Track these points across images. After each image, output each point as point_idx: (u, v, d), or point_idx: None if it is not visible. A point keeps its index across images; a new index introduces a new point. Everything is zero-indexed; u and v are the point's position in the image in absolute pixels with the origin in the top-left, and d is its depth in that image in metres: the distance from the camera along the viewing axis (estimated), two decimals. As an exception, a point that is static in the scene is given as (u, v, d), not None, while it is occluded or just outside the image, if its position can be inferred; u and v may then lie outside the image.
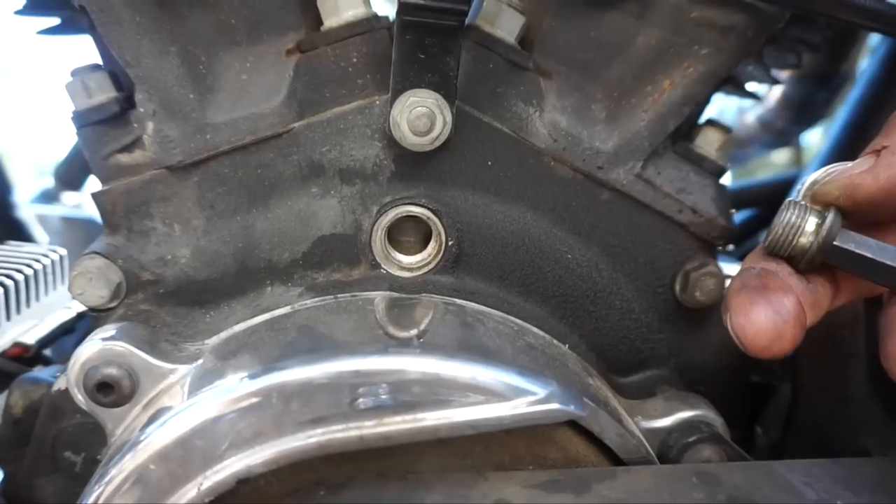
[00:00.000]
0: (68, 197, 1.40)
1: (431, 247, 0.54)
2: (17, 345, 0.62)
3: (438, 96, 0.49)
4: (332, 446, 0.41)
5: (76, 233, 1.17)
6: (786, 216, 0.45)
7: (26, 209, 1.09)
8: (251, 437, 0.41)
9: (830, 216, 0.44)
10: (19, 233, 1.04)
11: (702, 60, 0.52)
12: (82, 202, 1.38)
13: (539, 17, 0.55)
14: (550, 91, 0.54)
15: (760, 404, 0.69)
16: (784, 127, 1.10)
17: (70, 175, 1.38)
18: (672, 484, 0.43)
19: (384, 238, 0.53)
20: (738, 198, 1.00)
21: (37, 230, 1.08)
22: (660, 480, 0.43)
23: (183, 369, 0.48)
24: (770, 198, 1.04)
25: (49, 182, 1.43)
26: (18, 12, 0.62)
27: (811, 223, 0.45)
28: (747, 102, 1.13)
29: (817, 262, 0.45)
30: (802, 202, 0.46)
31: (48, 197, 1.36)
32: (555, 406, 0.42)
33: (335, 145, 0.52)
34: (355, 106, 0.52)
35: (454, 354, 0.43)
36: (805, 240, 0.45)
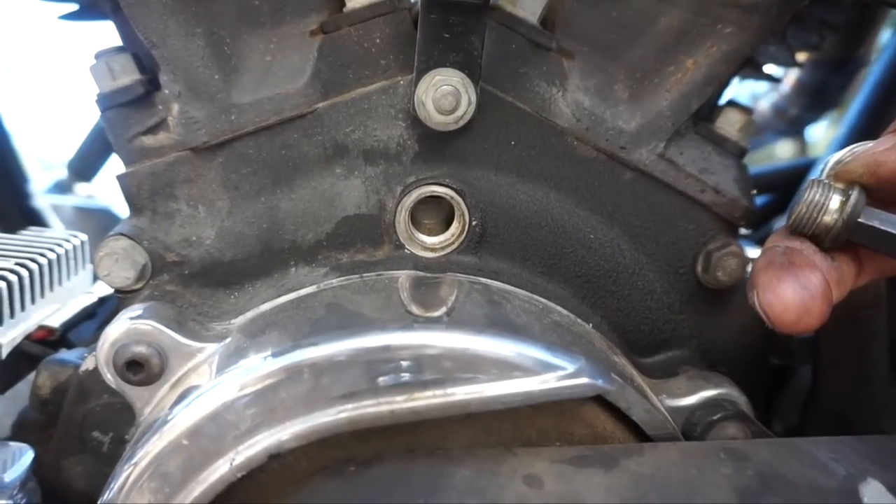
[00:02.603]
0: (81, 188, 1.40)
1: (455, 227, 0.54)
2: (42, 328, 0.62)
3: (463, 75, 0.49)
4: (362, 421, 0.41)
5: (90, 222, 1.17)
6: (810, 194, 0.46)
7: (41, 199, 1.09)
8: (282, 413, 0.41)
9: (855, 193, 0.45)
10: (36, 221, 1.04)
11: (725, 39, 0.52)
12: (95, 193, 1.39)
13: (561, -3, 0.55)
14: (573, 71, 0.54)
15: (777, 388, 0.70)
16: (798, 113, 1.09)
17: (83, 166, 1.39)
18: (700, 459, 0.43)
19: (408, 218, 0.53)
20: (753, 183, 1.00)
21: (52, 219, 1.08)
22: (687, 456, 0.43)
23: (211, 348, 0.48)
24: (785, 183, 1.03)
25: (60, 174, 1.43)
26: (40, -3, 0.63)
27: (835, 201, 0.45)
28: (761, 89, 1.13)
29: (842, 240, 0.45)
30: (826, 180, 0.46)
31: (61, 188, 1.37)
32: (584, 380, 0.42)
33: (359, 126, 0.52)
34: (379, 86, 0.52)
35: (482, 330, 0.43)
36: (829, 217, 0.45)
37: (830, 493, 0.40)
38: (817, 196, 0.45)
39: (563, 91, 0.54)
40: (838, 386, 0.61)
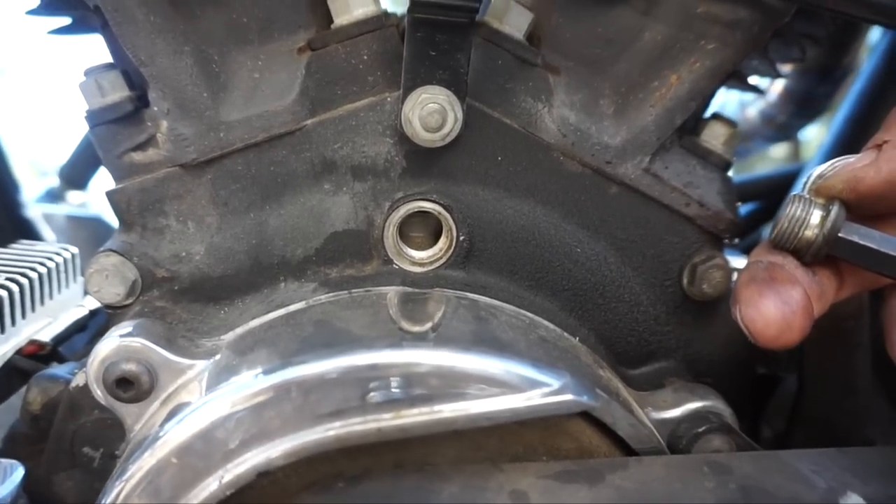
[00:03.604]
0: (73, 196, 1.40)
1: (443, 242, 0.54)
2: (33, 342, 0.63)
3: (449, 93, 0.50)
4: (350, 439, 0.41)
5: (82, 231, 1.17)
6: (791, 210, 0.46)
7: (33, 208, 1.09)
8: (271, 431, 0.42)
9: (835, 209, 0.45)
10: (27, 231, 1.04)
11: (708, 55, 0.53)
12: (87, 201, 1.39)
13: (546, 13, 0.55)
14: (559, 87, 0.55)
15: (765, 397, 0.70)
16: (786, 121, 1.10)
17: (75, 174, 1.39)
18: (684, 473, 0.43)
19: (396, 234, 0.54)
20: (741, 191, 1.01)
21: (44, 229, 1.08)
22: (671, 470, 0.44)
23: (200, 365, 0.49)
24: (772, 191, 1.04)
25: (52, 182, 1.43)
26: (31, 12, 0.63)
27: (816, 216, 0.46)
28: (749, 97, 1.14)
29: (822, 254, 0.46)
30: (807, 196, 0.47)
31: (53, 196, 1.37)
32: (569, 397, 0.42)
33: (347, 142, 0.53)
34: (366, 103, 0.53)
35: (469, 347, 0.44)
36: (810, 232, 0.46)
37: (814, 507, 0.41)
38: (798, 211, 0.46)
39: (548, 106, 0.54)
40: (823, 395, 0.62)
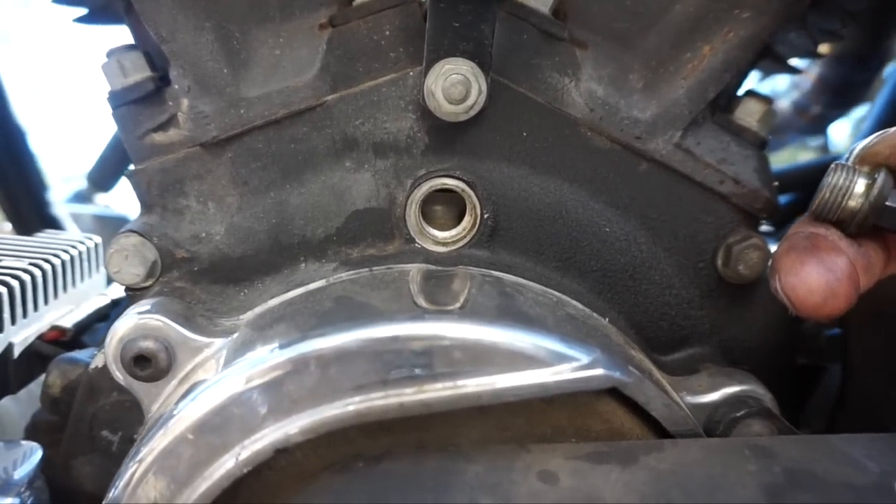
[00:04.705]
0: (100, 199, 1.42)
1: (466, 220, 0.53)
2: (54, 328, 0.62)
3: (473, 64, 0.48)
4: (371, 414, 0.40)
5: (108, 230, 1.18)
6: (833, 178, 0.44)
7: (61, 207, 1.11)
8: (289, 406, 0.40)
9: (881, 176, 0.43)
10: (55, 228, 1.05)
11: (742, 24, 0.51)
12: (113, 203, 1.41)
13: (573, -13, 0.54)
14: (586, 61, 0.53)
15: (807, 391, 0.67)
16: (820, 111, 1.07)
17: (101, 177, 1.40)
18: (724, 456, 0.41)
19: (418, 212, 0.52)
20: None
21: (71, 227, 1.09)
22: (710, 453, 0.41)
23: (219, 343, 0.48)
24: (808, 182, 1.01)
25: (80, 185, 1.45)
26: (56, 1, 0.63)
27: (861, 185, 0.43)
28: (781, 86, 1.11)
29: (868, 225, 0.43)
30: (851, 165, 0.44)
31: (80, 198, 1.39)
32: (600, 371, 0.40)
33: (368, 118, 0.52)
34: (388, 79, 0.51)
35: (494, 321, 0.42)
36: (854, 202, 0.43)
37: (865, 491, 0.38)
38: (841, 180, 0.44)
39: (575, 81, 0.53)
40: (869, 385, 0.59)
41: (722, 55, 0.52)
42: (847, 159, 0.46)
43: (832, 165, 0.45)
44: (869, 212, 0.43)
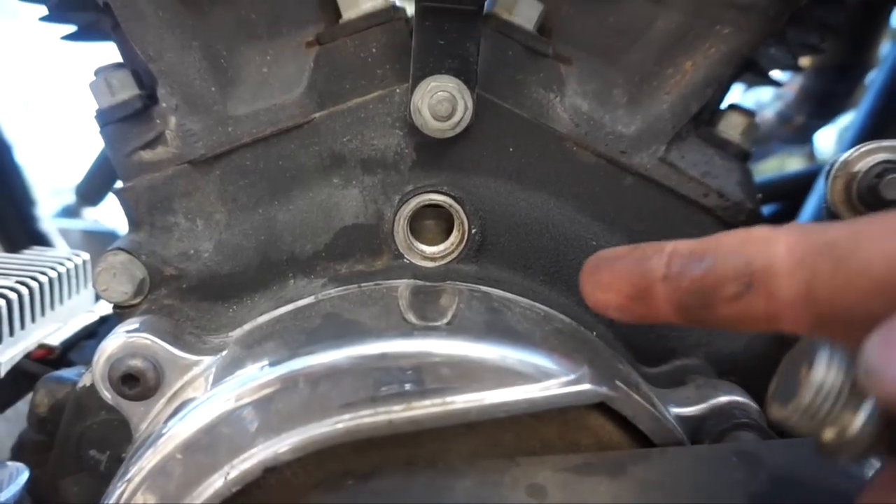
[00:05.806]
0: (88, 213, 1.41)
1: (454, 236, 0.53)
2: (41, 346, 0.62)
3: (459, 82, 0.49)
4: (360, 432, 0.40)
5: (97, 245, 1.18)
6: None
7: (49, 223, 1.10)
8: (278, 424, 0.40)
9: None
10: (43, 244, 1.05)
11: (724, 40, 0.52)
12: (101, 217, 1.40)
13: (557, 4, 0.55)
14: (571, 77, 0.54)
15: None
16: (804, 121, 1.08)
17: (90, 191, 1.40)
18: (711, 464, 0.41)
19: (406, 228, 0.53)
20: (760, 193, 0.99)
21: (59, 242, 1.09)
22: (697, 461, 0.42)
23: (207, 360, 0.48)
24: (792, 192, 1.02)
25: (68, 199, 1.45)
26: (42, 18, 0.63)
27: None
28: (765, 98, 1.12)
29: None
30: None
31: (69, 213, 1.38)
32: (587, 387, 0.41)
33: (356, 135, 0.52)
34: (375, 95, 0.52)
35: (482, 337, 0.42)
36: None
37: (851, 496, 0.38)
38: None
39: (560, 97, 0.53)
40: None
41: (704, 70, 0.52)
42: (828, 175, 0.46)
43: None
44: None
